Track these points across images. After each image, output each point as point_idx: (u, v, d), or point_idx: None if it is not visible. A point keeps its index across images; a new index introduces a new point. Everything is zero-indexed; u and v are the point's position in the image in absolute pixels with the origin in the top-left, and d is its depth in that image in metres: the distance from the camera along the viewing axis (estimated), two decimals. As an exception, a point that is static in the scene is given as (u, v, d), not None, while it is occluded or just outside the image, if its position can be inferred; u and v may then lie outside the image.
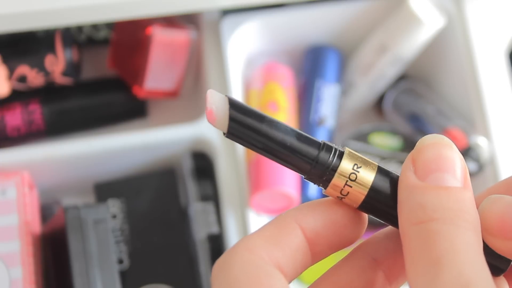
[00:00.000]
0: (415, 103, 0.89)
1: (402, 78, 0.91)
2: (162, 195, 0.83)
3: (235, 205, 0.81)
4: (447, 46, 0.87)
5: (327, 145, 0.33)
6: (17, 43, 0.83)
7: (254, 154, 0.82)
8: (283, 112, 0.85)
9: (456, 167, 0.32)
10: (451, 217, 0.31)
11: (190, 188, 0.82)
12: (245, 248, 0.32)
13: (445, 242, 0.30)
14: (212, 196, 0.82)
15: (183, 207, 0.83)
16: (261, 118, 0.33)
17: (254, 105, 0.85)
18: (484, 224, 0.32)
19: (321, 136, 0.87)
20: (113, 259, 0.71)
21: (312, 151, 0.33)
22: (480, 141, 0.83)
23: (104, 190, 0.83)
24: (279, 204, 0.82)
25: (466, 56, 0.85)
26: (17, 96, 0.84)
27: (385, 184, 0.33)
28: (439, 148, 0.32)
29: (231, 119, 0.32)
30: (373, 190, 0.33)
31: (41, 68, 0.82)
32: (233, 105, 0.33)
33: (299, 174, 0.34)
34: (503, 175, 0.83)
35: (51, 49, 0.82)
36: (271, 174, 0.80)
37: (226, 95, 0.33)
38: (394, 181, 0.33)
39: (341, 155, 0.33)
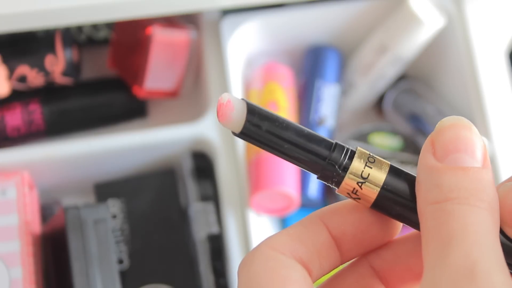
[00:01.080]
0: (415, 103, 0.89)
1: (402, 78, 0.91)
2: (162, 195, 0.83)
3: (235, 205, 0.81)
4: (447, 46, 0.87)
5: (339, 145, 0.34)
6: (17, 43, 0.83)
7: (254, 154, 0.82)
8: (283, 112, 0.85)
9: (475, 147, 0.32)
10: (466, 196, 0.31)
11: (190, 188, 0.82)
12: (267, 246, 0.33)
13: (457, 222, 0.30)
14: (212, 196, 0.82)
15: (183, 207, 0.83)
16: (274, 120, 0.33)
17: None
18: (500, 214, 0.32)
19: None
20: (113, 259, 0.71)
21: (324, 151, 0.33)
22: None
23: (104, 190, 0.83)
24: (279, 204, 0.82)
25: (466, 56, 0.85)
26: (17, 96, 0.84)
27: (397, 183, 0.33)
28: (458, 129, 0.32)
29: (248, 122, 0.33)
30: (385, 190, 0.33)
31: (41, 68, 0.82)
32: (251, 109, 0.33)
33: (312, 174, 0.34)
34: (503, 175, 0.83)
35: (51, 49, 0.82)
36: (271, 174, 0.80)
37: (242, 99, 0.33)
38: (407, 180, 0.33)
39: (352, 155, 0.33)
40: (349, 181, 0.33)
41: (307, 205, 0.85)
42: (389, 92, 0.90)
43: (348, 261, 0.35)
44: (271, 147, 0.33)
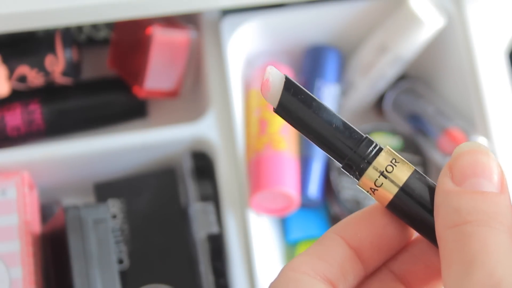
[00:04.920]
0: (415, 103, 0.89)
1: (402, 78, 0.91)
2: (162, 195, 0.83)
3: (235, 205, 0.81)
4: (447, 46, 0.87)
5: (369, 139, 0.35)
6: (17, 43, 0.83)
7: (254, 154, 0.82)
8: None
9: (493, 172, 0.32)
10: (485, 219, 0.31)
11: (190, 188, 0.82)
12: (288, 268, 0.33)
13: (478, 243, 0.31)
14: (212, 196, 0.82)
15: (183, 207, 0.83)
16: (310, 101, 0.34)
17: (254, 106, 0.85)
18: None
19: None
20: (113, 259, 0.71)
21: (353, 142, 0.34)
22: (480, 141, 0.83)
23: (104, 190, 0.83)
24: (279, 204, 0.82)
25: (466, 56, 0.85)
26: (17, 96, 0.84)
27: (417, 187, 0.34)
28: (475, 155, 0.33)
29: (283, 97, 0.34)
30: (404, 191, 0.34)
31: (41, 68, 0.82)
32: (288, 85, 0.35)
33: (336, 161, 0.35)
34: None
35: (51, 49, 0.82)
36: (271, 174, 0.80)
37: (285, 74, 0.35)
38: (427, 186, 0.34)
39: (379, 151, 0.34)
40: (371, 175, 0.34)
41: (307, 205, 0.85)
42: (389, 92, 0.90)
43: (372, 271, 0.35)
44: (302, 127, 0.34)
